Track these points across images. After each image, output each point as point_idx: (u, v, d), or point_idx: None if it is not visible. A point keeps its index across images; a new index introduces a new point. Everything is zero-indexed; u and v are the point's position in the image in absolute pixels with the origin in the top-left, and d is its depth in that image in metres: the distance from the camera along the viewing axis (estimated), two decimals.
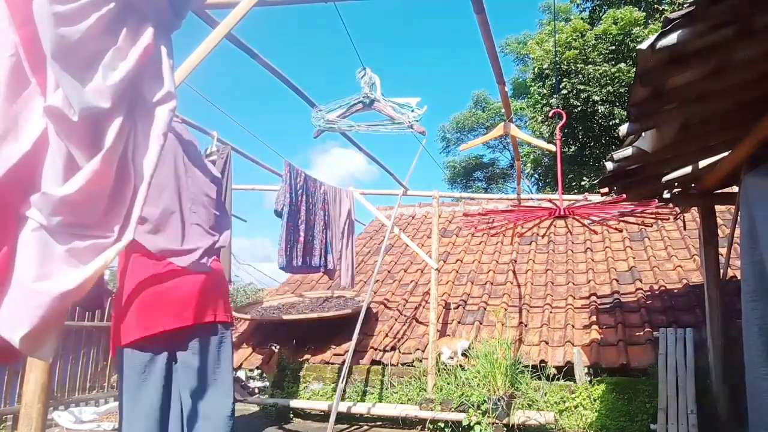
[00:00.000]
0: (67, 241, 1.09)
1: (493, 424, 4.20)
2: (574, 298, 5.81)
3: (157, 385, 2.00)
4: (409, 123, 3.02)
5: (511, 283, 6.42)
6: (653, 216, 3.97)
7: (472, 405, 4.34)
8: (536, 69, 14.42)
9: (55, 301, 1.05)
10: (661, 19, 2.17)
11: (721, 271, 4.29)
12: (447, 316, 5.91)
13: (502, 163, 22.80)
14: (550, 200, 3.78)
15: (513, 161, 19.40)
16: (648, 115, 2.81)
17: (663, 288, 5.56)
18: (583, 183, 13.52)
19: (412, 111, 3.08)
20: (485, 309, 5.93)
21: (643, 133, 3.08)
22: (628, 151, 3.25)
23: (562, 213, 3.57)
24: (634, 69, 2.46)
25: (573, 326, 5.29)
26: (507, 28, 41.66)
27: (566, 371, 4.70)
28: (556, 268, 6.57)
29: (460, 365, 4.92)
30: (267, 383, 5.62)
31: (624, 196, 3.31)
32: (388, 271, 7.46)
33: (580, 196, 6.07)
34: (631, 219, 4.16)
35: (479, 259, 7.21)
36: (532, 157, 15.95)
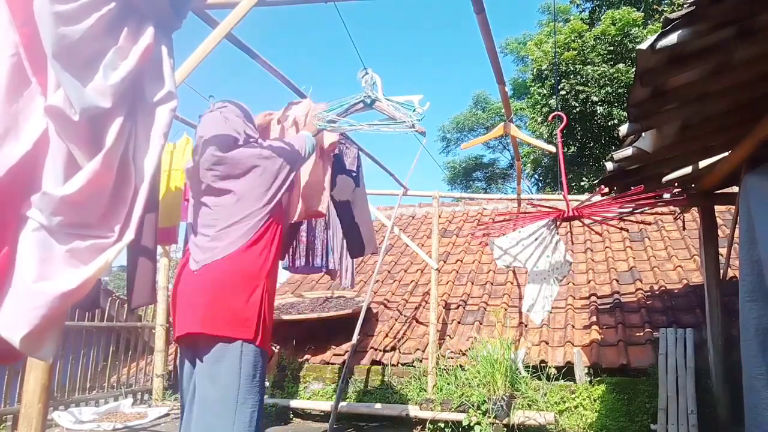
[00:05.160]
0: (67, 241, 1.09)
1: (493, 424, 4.20)
2: (574, 298, 5.81)
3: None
4: (410, 123, 3.01)
5: (512, 283, 6.42)
6: (664, 204, 3.89)
7: (472, 405, 4.34)
8: (535, 70, 14.42)
9: (55, 301, 1.04)
10: (660, 20, 2.17)
11: (721, 271, 4.29)
12: (447, 316, 5.90)
13: (501, 164, 22.81)
14: (554, 208, 3.72)
15: (513, 161, 19.40)
16: (648, 116, 2.81)
17: (663, 288, 5.56)
18: (582, 183, 13.53)
19: (414, 110, 3.07)
20: (485, 309, 5.92)
21: (643, 134, 3.09)
22: (628, 152, 3.25)
23: (570, 215, 3.53)
24: (634, 69, 2.47)
25: (573, 326, 5.29)
26: (507, 28, 41.69)
27: (566, 371, 4.70)
28: None
29: (460, 365, 4.92)
30: (267, 383, 5.62)
31: (642, 186, 3.25)
32: (388, 271, 7.45)
33: (584, 196, 6.07)
34: (636, 215, 4.12)
35: (479, 259, 7.21)
36: (532, 157, 15.96)
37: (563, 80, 13.08)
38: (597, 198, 3.76)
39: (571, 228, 7.38)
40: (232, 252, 2.02)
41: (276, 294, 7.59)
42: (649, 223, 4.77)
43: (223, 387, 1.89)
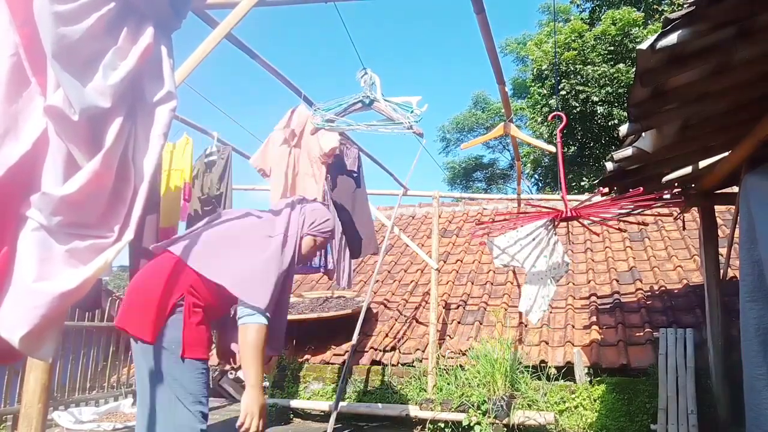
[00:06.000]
0: (67, 241, 1.09)
1: (493, 424, 4.20)
2: (574, 298, 5.81)
3: None
4: (408, 124, 3.01)
5: (511, 283, 6.42)
6: (664, 205, 3.89)
7: (472, 405, 4.34)
8: (535, 70, 14.43)
9: (55, 301, 1.04)
10: (660, 20, 2.18)
11: (721, 271, 4.29)
12: (447, 316, 5.91)
13: (502, 164, 22.81)
14: (552, 208, 3.71)
15: (513, 162, 19.40)
16: (648, 116, 2.82)
17: (663, 288, 5.56)
18: (582, 183, 13.54)
19: (412, 111, 3.07)
20: (485, 309, 5.92)
21: (643, 134, 3.09)
22: (628, 152, 3.25)
23: (568, 215, 3.53)
24: (634, 69, 2.47)
25: (573, 326, 5.29)
26: (507, 28, 41.69)
27: (566, 371, 4.70)
28: None
29: (460, 365, 4.92)
30: (267, 383, 5.63)
31: (641, 189, 3.26)
32: (388, 271, 7.45)
33: (584, 196, 6.07)
34: (633, 216, 4.12)
35: (479, 259, 7.21)
36: (532, 157, 15.96)
37: (563, 80, 13.08)
38: (596, 198, 3.75)
39: (571, 228, 7.39)
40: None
41: None
42: (647, 224, 4.77)
43: (146, 387, 1.93)
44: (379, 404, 4.94)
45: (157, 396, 1.89)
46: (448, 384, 4.81)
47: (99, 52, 1.16)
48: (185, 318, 1.92)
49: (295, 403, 5.13)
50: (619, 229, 4.02)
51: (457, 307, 6.03)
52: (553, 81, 13.20)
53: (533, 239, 3.89)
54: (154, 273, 2.00)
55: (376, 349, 5.58)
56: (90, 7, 1.16)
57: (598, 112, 12.96)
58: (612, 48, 13.16)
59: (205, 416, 1.93)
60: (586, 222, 3.95)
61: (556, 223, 3.82)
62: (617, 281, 5.92)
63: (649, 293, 5.59)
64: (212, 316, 2.13)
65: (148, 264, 2.08)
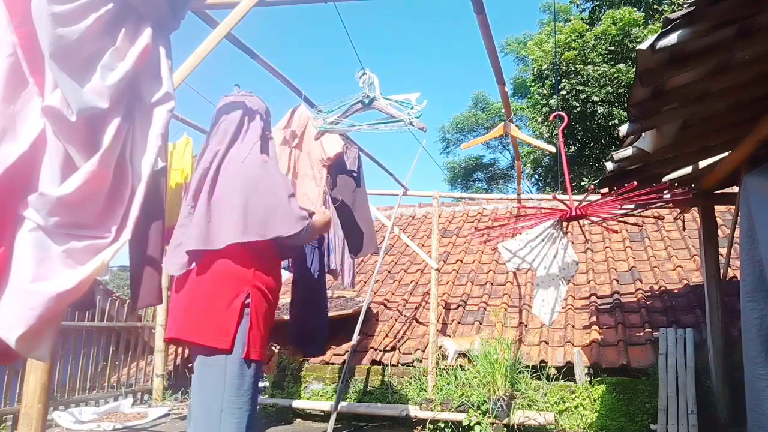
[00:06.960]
0: (64, 242, 1.09)
1: (493, 424, 4.20)
2: (574, 298, 5.81)
3: None
4: (409, 120, 3.02)
5: (512, 283, 6.41)
6: (668, 202, 3.84)
7: (472, 405, 4.34)
8: (535, 70, 14.42)
9: (51, 301, 1.04)
10: (661, 20, 2.17)
11: (721, 271, 4.28)
12: (447, 316, 5.90)
13: (502, 164, 22.79)
14: (555, 208, 3.67)
15: (513, 162, 19.40)
16: (648, 115, 2.81)
17: (663, 288, 5.55)
18: (582, 183, 13.52)
19: (412, 108, 3.07)
20: (485, 309, 5.92)
21: (643, 134, 3.09)
22: (628, 152, 3.25)
23: (574, 214, 3.49)
24: (634, 69, 2.46)
25: (573, 326, 5.29)
26: (507, 27, 41.69)
27: (566, 371, 4.70)
28: None
29: (460, 366, 4.92)
30: (267, 383, 5.62)
31: (635, 183, 3.23)
32: (388, 271, 7.45)
33: (581, 196, 6.04)
34: (642, 213, 4.08)
35: (479, 259, 7.20)
36: (532, 157, 15.94)
37: (564, 80, 13.06)
38: (591, 197, 3.73)
39: (571, 228, 7.38)
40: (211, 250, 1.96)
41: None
42: (662, 218, 4.66)
43: (206, 397, 1.88)
44: (379, 404, 4.94)
45: (212, 401, 1.86)
46: (448, 384, 4.81)
47: (97, 53, 1.16)
48: (252, 317, 1.90)
49: (296, 404, 5.13)
50: (636, 224, 4.01)
51: (457, 307, 6.03)
52: (554, 81, 13.19)
53: (542, 240, 3.87)
54: (214, 280, 1.94)
55: (376, 349, 5.58)
56: (88, 7, 1.15)
57: (599, 112, 12.95)
58: (612, 48, 13.14)
59: (251, 425, 1.91)
60: (597, 220, 3.92)
61: (566, 224, 3.80)
62: (617, 281, 5.91)
63: (649, 293, 5.59)
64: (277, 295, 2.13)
65: (204, 273, 1.98)
